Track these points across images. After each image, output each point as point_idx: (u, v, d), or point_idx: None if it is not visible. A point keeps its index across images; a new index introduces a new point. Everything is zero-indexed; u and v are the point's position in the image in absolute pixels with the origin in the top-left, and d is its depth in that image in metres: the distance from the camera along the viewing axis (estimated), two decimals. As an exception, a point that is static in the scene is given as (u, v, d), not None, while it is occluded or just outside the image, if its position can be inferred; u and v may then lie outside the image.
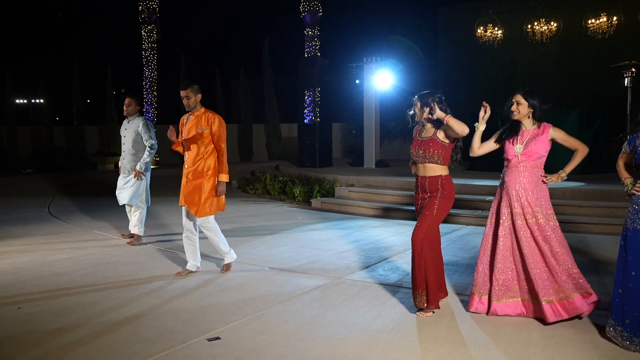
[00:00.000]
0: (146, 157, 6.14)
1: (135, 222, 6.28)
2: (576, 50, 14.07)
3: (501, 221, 3.77)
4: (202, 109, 4.87)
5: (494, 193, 3.98)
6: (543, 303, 3.58)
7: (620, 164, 3.54)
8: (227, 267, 5.04)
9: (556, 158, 4.22)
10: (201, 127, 4.78)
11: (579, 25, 13.45)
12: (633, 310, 3.19)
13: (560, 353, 3.23)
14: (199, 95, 4.84)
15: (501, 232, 3.76)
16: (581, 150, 3.81)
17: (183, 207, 4.88)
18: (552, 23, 13.38)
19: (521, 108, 3.77)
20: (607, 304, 3.60)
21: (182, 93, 4.78)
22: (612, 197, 7.46)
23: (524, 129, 3.81)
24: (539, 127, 3.81)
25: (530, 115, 3.80)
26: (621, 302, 3.26)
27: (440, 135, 3.82)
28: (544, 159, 3.81)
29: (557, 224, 3.74)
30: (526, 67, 14.79)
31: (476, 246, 6.14)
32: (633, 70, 9.66)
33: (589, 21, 12.94)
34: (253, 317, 3.86)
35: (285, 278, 4.90)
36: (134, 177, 6.15)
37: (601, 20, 12.66)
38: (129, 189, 6.20)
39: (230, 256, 5.04)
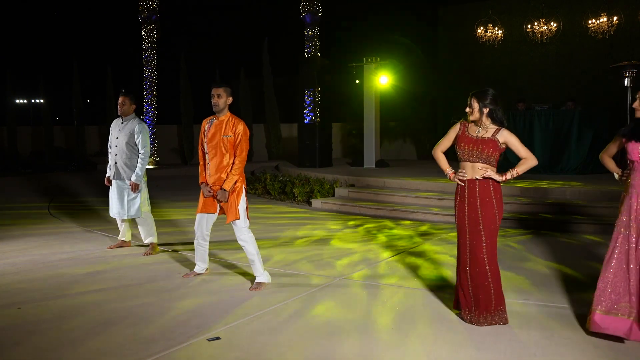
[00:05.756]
0: (139, 168, 5.67)
1: (147, 231, 5.84)
2: (576, 50, 14.06)
3: (617, 228, 3.48)
4: (228, 114, 4.59)
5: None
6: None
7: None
8: (258, 286, 4.57)
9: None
10: (225, 134, 4.51)
11: (579, 25, 13.44)
12: None
13: (560, 353, 3.23)
14: (230, 99, 4.59)
15: (621, 240, 3.46)
16: None
17: (199, 215, 4.73)
18: (552, 23, 13.36)
19: None
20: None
21: (215, 90, 4.50)
22: (612, 197, 7.46)
23: None
24: None
25: None
26: None
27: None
28: None
29: None
30: (526, 67, 14.78)
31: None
32: (632, 70, 9.66)
33: (589, 21, 12.93)
34: (253, 317, 3.86)
35: (285, 278, 4.90)
36: (131, 190, 5.72)
37: (601, 20, 12.64)
38: (131, 202, 5.74)
39: (265, 277, 4.63)
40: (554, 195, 8.05)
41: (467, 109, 3.68)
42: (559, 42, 13.98)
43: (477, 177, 3.63)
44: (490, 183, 3.65)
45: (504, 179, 3.62)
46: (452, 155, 3.82)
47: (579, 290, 4.39)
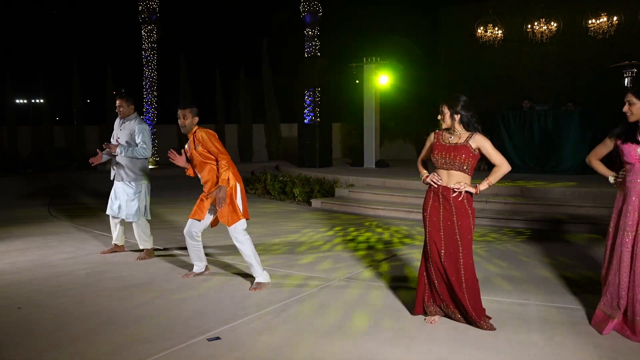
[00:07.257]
0: (132, 150, 5.52)
1: (142, 236, 5.71)
2: (576, 50, 14.06)
3: (625, 232, 3.49)
4: (195, 127, 4.74)
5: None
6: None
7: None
8: (258, 286, 4.58)
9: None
10: (196, 146, 4.66)
11: (579, 25, 13.43)
12: None
13: (560, 353, 3.23)
14: (196, 119, 4.75)
15: (625, 244, 3.48)
16: None
17: (190, 220, 4.74)
18: (552, 23, 13.35)
19: (634, 109, 3.62)
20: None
21: (181, 112, 4.68)
22: (612, 198, 7.45)
23: None
24: None
25: None
26: None
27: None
28: None
29: None
30: (526, 67, 14.78)
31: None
32: (631, 70, 9.66)
33: (589, 21, 12.92)
34: (253, 317, 3.86)
35: (285, 278, 4.90)
36: (109, 148, 5.55)
37: (601, 20, 12.63)
38: (130, 203, 5.61)
39: (264, 277, 4.64)
40: (553, 195, 8.05)
41: (439, 116, 3.66)
42: (559, 42, 13.97)
43: (452, 187, 3.57)
44: (464, 194, 3.58)
45: (478, 191, 3.56)
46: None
47: (579, 290, 4.39)
